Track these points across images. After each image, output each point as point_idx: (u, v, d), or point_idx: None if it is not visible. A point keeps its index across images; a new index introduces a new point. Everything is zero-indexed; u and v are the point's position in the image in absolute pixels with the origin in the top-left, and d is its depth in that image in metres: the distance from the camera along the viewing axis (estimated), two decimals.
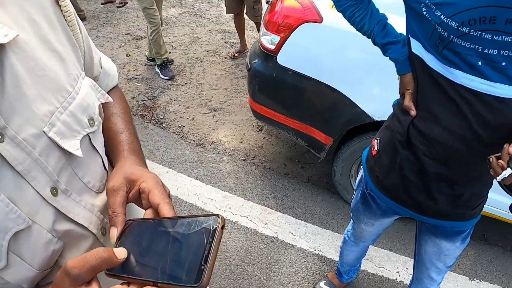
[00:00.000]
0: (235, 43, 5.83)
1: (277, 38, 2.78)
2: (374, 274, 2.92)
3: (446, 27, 1.19)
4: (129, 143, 0.99)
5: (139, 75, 5.17)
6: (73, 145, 0.80)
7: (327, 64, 2.71)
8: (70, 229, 0.81)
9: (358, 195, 1.93)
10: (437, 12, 1.20)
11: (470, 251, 3.20)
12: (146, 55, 5.40)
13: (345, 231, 2.39)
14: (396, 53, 1.52)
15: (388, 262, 2.99)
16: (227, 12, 5.35)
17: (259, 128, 4.17)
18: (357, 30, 1.65)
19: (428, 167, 1.45)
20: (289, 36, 2.72)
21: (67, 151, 0.79)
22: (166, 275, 0.61)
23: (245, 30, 5.56)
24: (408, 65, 1.48)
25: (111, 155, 0.98)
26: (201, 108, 4.48)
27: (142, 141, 3.87)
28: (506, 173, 1.12)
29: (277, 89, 2.98)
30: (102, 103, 0.96)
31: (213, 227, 0.60)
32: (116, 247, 0.71)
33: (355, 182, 3.06)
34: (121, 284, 0.66)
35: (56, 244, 0.79)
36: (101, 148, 0.93)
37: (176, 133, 4.10)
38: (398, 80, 1.61)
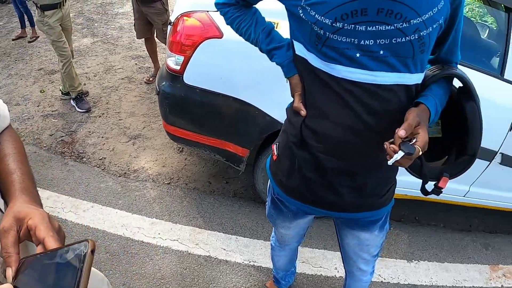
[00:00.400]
0: (149, 67, 5.81)
1: (181, 58, 2.79)
2: (312, 274, 2.97)
3: (321, 25, 1.24)
4: (21, 182, 0.99)
5: (55, 111, 5.04)
6: None
7: (232, 77, 2.75)
8: None
9: (269, 201, 1.96)
10: (311, 12, 1.24)
11: (404, 234, 3.33)
12: (60, 90, 5.26)
13: (271, 238, 2.42)
14: (281, 57, 1.56)
15: (325, 261, 3.04)
16: (138, 37, 5.33)
17: (180, 149, 4.16)
18: (245, 40, 1.69)
19: (325, 163, 1.49)
20: (192, 54, 2.74)
21: None
22: None
23: (158, 53, 5.55)
24: (294, 67, 1.52)
25: (6, 197, 0.98)
26: (120, 137, 4.42)
27: (64, 178, 3.80)
28: (397, 156, 1.17)
29: (188, 109, 2.99)
30: None
31: (83, 252, 0.65)
32: (15, 286, 0.73)
33: None
34: None
35: None
36: None
37: (97, 166, 4.02)
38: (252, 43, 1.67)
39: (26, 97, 5.32)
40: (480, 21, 7.14)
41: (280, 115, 2.63)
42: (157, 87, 3.09)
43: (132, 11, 5.54)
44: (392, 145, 1.20)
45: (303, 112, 1.48)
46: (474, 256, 3.34)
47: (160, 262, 3.04)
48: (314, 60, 1.36)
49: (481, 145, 1.48)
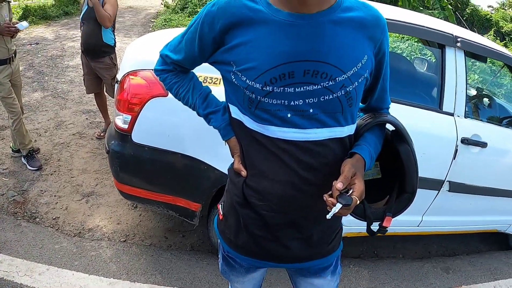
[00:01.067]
0: (100, 122, 5.78)
1: (128, 117, 2.82)
2: None
3: (252, 90, 1.30)
4: None
5: (5, 169, 4.93)
6: None
7: (179, 134, 2.80)
8: None
9: (221, 258, 1.95)
10: (242, 77, 1.31)
11: (364, 270, 3.43)
12: (11, 147, 5.15)
13: None
14: (217, 121, 1.62)
15: None
16: (87, 92, 5.35)
17: (134, 206, 4.14)
18: (183, 104, 1.74)
19: (269, 219, 1.52)
20: (139, 113, 2.78)
21: None
22: None
23: (108, 107, 5.54)
24: (230, 130, 1.58)
25: None
26: (73, 195, 4.35)
27: (17, 240, 3.72)
28: (335, 208, 1.23)
29: (138, 167, 3.00)
30: None
31: None
32: None
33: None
34: None
35: None
36: None
37: (51, 226, 3.93)
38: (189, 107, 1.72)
39: None
40: (419, 55, 7.45)
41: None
42: (107, 146, 3.09)
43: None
44: (330, 198, 1.26)
45: (244, 173, 1.53)
46: (436, 281, 3.43)
47: None
48: (249, 122, 1.41)
49: (429, 176, 1.56)
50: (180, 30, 1.69)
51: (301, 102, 1.31)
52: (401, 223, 3.06)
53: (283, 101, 1.31)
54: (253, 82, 1.29)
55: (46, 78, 7.65)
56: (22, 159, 4.94)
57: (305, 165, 1.40)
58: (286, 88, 1.28)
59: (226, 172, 2.66)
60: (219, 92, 2.57)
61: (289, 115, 1.32)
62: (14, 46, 4.56)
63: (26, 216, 4.09)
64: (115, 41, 5.16)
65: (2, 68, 4.35)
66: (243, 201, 1.57)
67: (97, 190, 4.41)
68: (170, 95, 2.62)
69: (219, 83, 2.58)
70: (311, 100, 1.30)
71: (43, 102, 6.61)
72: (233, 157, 1.63)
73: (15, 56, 4.54)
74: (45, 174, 4.75)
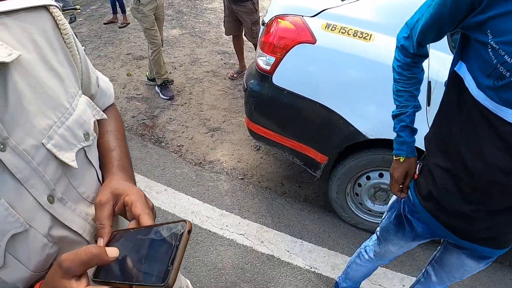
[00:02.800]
0: (234, 64, 5.90)
1: (272, 59, 2.83)
2: None
3: (509, 68, 1.13)
4: (119, 160, 1.05)
5: (139, 94, 5.23)
6: (69, 157, 0.86)
7: (321, 84, 2.75)
8: (65, 235, 0.87)
9: (391, 216, 1.92)
10: (501, 52, 1.14)
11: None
12: (146, 75, 5.47)
13: (363, 246, 2.38)
14: (410, 137, 1.65)
15: (385, 280, 3.00)
16: (226, 34, 5.42)
17: (257, 148, 4.22)
18: (394, 94, 1.70)
19: (469, 197, 1.46)
20: (283, 57, 2.77)
21: (64, 162, 0.85)
22: (141, 277, 0.67)
23: (244, 51, 5.63)
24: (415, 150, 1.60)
25: (103, 171, 1.03)
26: (200, 127, 4.54)
27: (141, 159, 3.94)
28: None
29: (273, 109, 3.02)
30: (98, 120, 1.02)
31: (180, 231, 0.67)
32: None
33: (351, 201, 3.09)
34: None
35: (51, 248, 0.84)
36: (95, 162, 0.99)
37: (174, 152, 4.14)
38: (393, 101, 1.69)
39: (113, 78, 5.56)
40: None
41: (364, 127, 2.65)
42: (245, 84, 3.14)
43: (221, 7, 5.63)
44: None
45: (403, 195, 1.64)
46: None
47: (223, 253, 3.10)
48: (483, 99, 1.27)
49: None
50: None
51: None
52: None
53: None
54: None
55: (185, 17, 7.91)
56: (156, 88, 5.20)
57: None
58: None
59: (360, 130, 2.65)
60: (369, 48, 2.52)
61: None
62: None
63: (152, 139, 4.32)
64: None
65: (148, 2, 4.58)
66: (449, 171, 1.50)
67: (223, 127, 4.55)
68: (317, 43, 2.65)
69: (370, 39, 2.52)
70: None
71: (180, 39, 6.87)
72: (393, 175, 1.68)
73: None
74: (176, 104, 4.96)
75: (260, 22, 3.57)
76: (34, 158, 0.79)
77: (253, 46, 5.53)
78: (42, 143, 0.81)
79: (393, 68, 1.65)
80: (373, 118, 2.60)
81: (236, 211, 3.44)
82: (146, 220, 0.79)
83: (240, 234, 3.24)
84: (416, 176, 1.72)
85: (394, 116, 1.69)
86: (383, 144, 2.66)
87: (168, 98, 5.06)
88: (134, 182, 1.03)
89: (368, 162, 2.83)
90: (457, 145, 1.43)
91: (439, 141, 1.56)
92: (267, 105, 3.04)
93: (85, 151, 0.93)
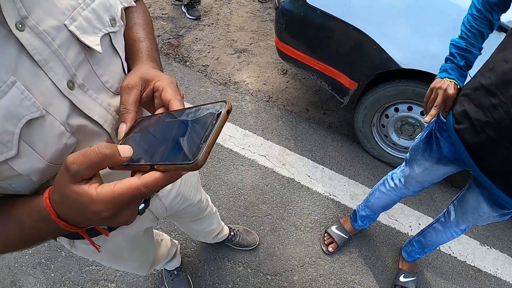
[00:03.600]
0: None
1: None
2: (386, 225, 2.93)
3: None
4: (148, 51, 0.99)
5: (165, 14, 5.11)
6: (93, 41, 0.81)
7: (356, 5, 2.61)
8: (84, 125, 0.83)
9: (424, 134, 1.91)
10: None
11: None
12: None
13: (389, 174, 2.36)
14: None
15: (402, 216, 2.99)
16: None
17: (284, 71, 4.13)
18: (468, 25, 1.63)
19: (504, 124, 1.41)
20: None
21: (87, 46, 0.80)
22: (164, 157, 0.59)
23: None
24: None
25: (130, 62, 0.99)
26: (226, 48, 4.44)
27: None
28: None
29: (304, 29, 2.90)
30: (126, 11, 0.98)
31: (218, 111, 0.59)
32: (121, 143, 0.71)
33: (376, 132, 3.03)
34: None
35: (69, 138, 0.80)
36: (121, 51, 0.94)
37: (199, 71, 4.08)
38: (460, 32, 1.64)
39: None
40: None
41: (398, 56, 2.54)
42: (277, 2, 3.02)
43: None
44: None
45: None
46: None
47: (243, 173, 3.10)
48: None
49: None
50: None
51: None
52: None
53: None
54: None
55: None
56: (182, 7, 5.06)
57: None
58: None
59: (395, 58, 2.55)
60: None
61: None
62: None
63: (177, 58, 4.25)
64: None
65: None
66: (489, 91, 1.45)
67: (250, 49, 4.44)
68: None
69: None
70: None
71: None
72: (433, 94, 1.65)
73: None
74: (202, 24, 4.85)
75: None
76: (55, 40, 0.74)
77: None
78: (65, 24, 0.76)
79: (473, 3, 1.61)
80: (409, 47, 2.49)
81: (259, 132, 3.41)
82: (177, 105, 0.72)
83: (262, 155, 3.22)
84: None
85: (456, 47, 1.62)
86: (416, 75, 2.57)
87: (194, 18, 4.93)
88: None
89: (398, 93, 2.74)
90: (502, 63, 1.41)
91: (487, 63, 1.53)
92: (298, 25, 2.92)
93: (110, 37, 0.88)
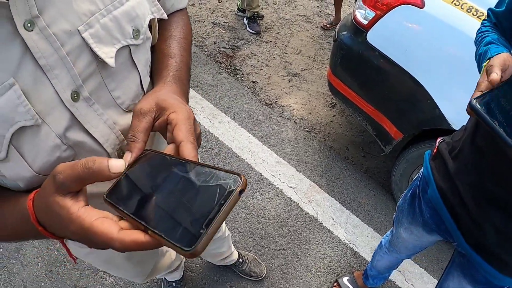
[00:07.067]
0: (329, 14, 5.60)
1: (371, 14, 2.61)
2: None
3: None
4: (177, 69, 0.90)
5: (226, 22, 5.11)
6: (107, 53, 0.74)
7: (417, 53, 2.50)
8: (82, 141, 0.76)
9: (407, 194, 1.76)
10: None
11: None
12: (237, 5, 5.32)
13: (384, 236, 2.25)
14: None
15: (420, 281, 2.81)
16: None
17: (332, 104, 4.01)
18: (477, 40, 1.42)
19: (489, 181, 1.25)
20: (384, 14, 2.54)
21: (99, 58, 0.73)
22: (161, 225, 0.51)
23: (342, 4, 5.35)
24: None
25: (155, 78, 0.91)
26: (279, 69, 4.37)
27: (213, 86, 3.86)
28: None
29: (360, 67, 2.81)
30: (162, 23, 0.92)
31: (230, 187, 0.49)
32: (125, 175, 0.62)
33: None
34: (115, 216, 0.59)
35: (65, 151, 0.74)
36: (142, 66, 0.86)
37: (248, 87, 4.03)
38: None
39: (202, 1, 5.46)
40: None
41: (451, 115, 2.39)
42: (336, 35, 2.94)
43: None
44: None
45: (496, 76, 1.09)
46: None
47: (268, 200, 3.01)
48: None
49: None
50: None
51: None
52: None
53: None
54: None
55: None
56: (244, 19, 5.07)
57: None
58: None
59: (447, 117, 2.40)
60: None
61: None
62: None
63: (229, 69, 4.23)
64: None
65: None
66: (480, 149, 1.27)
67: (303, 74, 4.35)
68: (425, 8, 2.39)
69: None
70: None
71: None
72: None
73: None
74: (261, 40, 4.81)
75: None
76: (64, 45, 0.68)
77: (353, 0, 5.24)
78: (78, 30, 0.69)
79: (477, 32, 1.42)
80: (464, 107, 2.35)
81: (293, 163, 3.32)
82: (188, 150, 0.62)
83: (290, 187, 3.12)
84: (435, 151, 1.54)
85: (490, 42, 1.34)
86: None
87: (254, 32, 4.92)
88: (187, 100, 0.89)
89: None
90: None
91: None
92: (354, 62, 2.83)
93: (130, 50, 0.80)
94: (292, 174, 3.22)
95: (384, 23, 2.57)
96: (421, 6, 2.40)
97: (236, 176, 0.50)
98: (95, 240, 0.55)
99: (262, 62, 4.43)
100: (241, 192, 0.49)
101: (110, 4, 0.74)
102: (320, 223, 2.94)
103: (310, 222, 2.94)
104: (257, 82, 4.11)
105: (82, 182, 0.57)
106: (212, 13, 5.27)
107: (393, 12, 2.51)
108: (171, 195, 0.55)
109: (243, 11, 5.10)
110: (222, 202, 0.48)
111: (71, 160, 0.75)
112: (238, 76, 4.15)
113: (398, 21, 2.52)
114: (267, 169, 3.20)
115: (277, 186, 3.10)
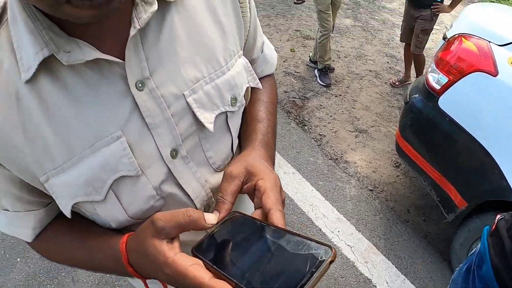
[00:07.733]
0: (399, 71, 5.61)
1: (444, 79, 2.62)
2: None
3: None
4: (264, 134, 0.95)
5: (297, 72, 5.22)
6: (208, 118, 0.81)
7: (488, 122, 2.47)
8: (175, 194, 0.83)
9: (463, 268, 1.69)
10: None
11: None
12: (309, 56, 5.45)
13: None
14: None
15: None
16: (401, 40, 5.13)
17: (397, 164, 4.00)
18: None
19: None
20: (457, 80, 2.55)
21: (200, 121, 0.80)
22: (253, 284, 0.54)
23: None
24: None
25: (243, 140, 0.97)
26: (346, 124, 4.41)
27: (280, 135, 3.94)
28: None
29: (429, 132, 2.81)
30: (251, 88, 0.96)
31: (321, 257, 0.53)
32: (212, 233, 0.68)
33: None
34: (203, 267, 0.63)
35: (157, 201, 0.81)
36: (235, 130, 0.93)
37: (315, 139, 4.08)
38: None
39: (276, 50, 5.54)
40: None
41: None
42: (408, 97, 2.96)
43: (399, 9, 5.34)
44: None
45: None
46: None
47: None
48: None
49: None
50: None
51: None
52: None
53: None
54: None
55: (360, 10, 7.68)
56: (316, 71, 5.16)
57: None
58: None
59: None
60: None
61: None
62: None
63: (297, 120, 4.30)
64: None
65: None
66: None
67: (370, 131, 4.37)
68: (499, 76, 2.38)
69: None
70: None
71: (351, 30, 6.72)
72: None
73: None
74: (330, 93, 4.88)
75: (442, 36, 3.32)
76: (170, 107, 0.75)
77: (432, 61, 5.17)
78: (183, 94, 0.76)
79: None
80: None
81: (353, 221, 3.31)
82: (278, 219, 0.65)
83: (348, 245, 3.11)
84: (494, 228, 1.47)
85: None
86: None
87: (324, 84, 4.99)
88: (273, 162, 0.95)
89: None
90: None
91: None
92: (424, 126, 2.83)
93: (227, 116, 0.87)
94: (351, 232, 3.21)
95: (456, 89, 2.57)
96: (495, 74, 2.40)
97: (327, 247, 0.54)
98: (186, 283, 0.60)
99: (330, 116, 4.48)
100: (331, 262, 0.53)
101: (213, 72, 0.80)
102: (374, 286, 2.91)
103: (364, 284, 2.90)
104: (324, 136, 4.16)
105: (181, 229, 0.63)
106: (284, 61, 5.40)
107: (466, 79, 2.51)
108: (263, 257, 0.58)
109: (315, 62, 5.20)
110: (313, 270, 0.51)
111: (160, 210, 0.80)
112: (306, 127, 4.22)
113: (471, 88, 2.53)
114: (327, 225, 3.21)
115: (335, 243, 3.09)
